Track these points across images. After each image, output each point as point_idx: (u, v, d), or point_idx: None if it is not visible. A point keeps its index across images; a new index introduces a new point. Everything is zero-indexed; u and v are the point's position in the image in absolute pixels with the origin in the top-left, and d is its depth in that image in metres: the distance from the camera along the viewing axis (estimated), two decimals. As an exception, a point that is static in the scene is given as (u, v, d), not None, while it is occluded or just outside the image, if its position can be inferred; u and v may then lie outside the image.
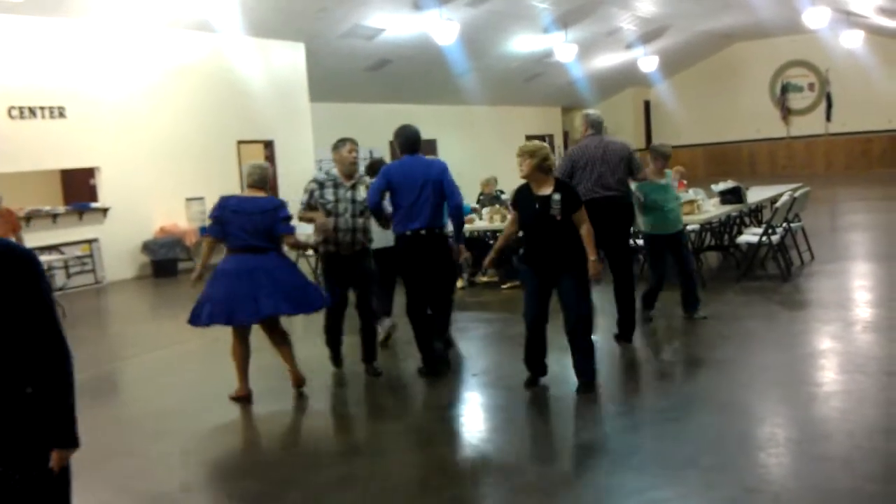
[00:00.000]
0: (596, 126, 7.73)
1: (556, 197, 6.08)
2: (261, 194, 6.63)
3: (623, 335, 7.65)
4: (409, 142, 7.04)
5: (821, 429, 5.27)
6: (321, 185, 7.08)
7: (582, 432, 5.70)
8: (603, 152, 7.51)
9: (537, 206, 6.12)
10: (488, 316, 9.67)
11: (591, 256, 6.12)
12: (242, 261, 6.44)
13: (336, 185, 7.05)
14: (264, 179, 6.71)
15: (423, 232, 6.80)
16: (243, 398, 6.69)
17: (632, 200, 7.83)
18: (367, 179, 7.40)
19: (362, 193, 7.05)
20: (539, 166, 6.13)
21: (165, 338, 9.99)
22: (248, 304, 6.34)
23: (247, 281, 6.35)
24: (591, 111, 7.93)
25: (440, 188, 6.81)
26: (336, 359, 7.41)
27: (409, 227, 6.83)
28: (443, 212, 6.94)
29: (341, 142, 7.12)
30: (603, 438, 5.44)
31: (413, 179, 6.79)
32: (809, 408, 5.69)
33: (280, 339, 6.79)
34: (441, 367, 7.06)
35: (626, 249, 7.85)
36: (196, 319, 6.61)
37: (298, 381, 6.79)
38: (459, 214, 6.98)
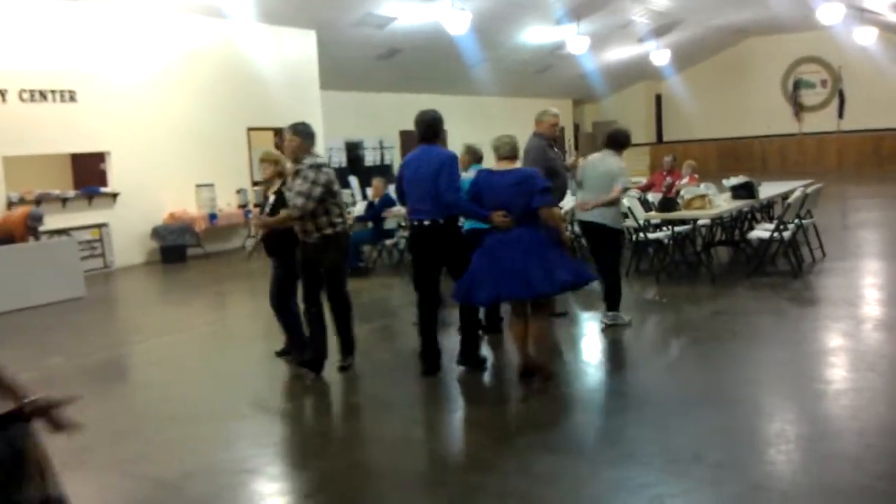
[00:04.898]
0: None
1: None
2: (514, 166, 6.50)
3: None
4: (427, 129, 6.78)
5: (830, 426, 5.23)
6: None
7: (589, 426, 5.68)
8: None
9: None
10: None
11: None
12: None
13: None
14: (515, 150, 6.51)
15: (427, 223, 6.63)
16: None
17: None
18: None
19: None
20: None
21: (173, 323, 9.99)
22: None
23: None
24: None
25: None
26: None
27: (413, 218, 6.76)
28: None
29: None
30: (611, 432, 5.41)
31: (422, 170, 6.61)
32: (819, 405, 5.65)
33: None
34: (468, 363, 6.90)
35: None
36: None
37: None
38: (450, 212, 6.64)
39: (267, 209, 7.16)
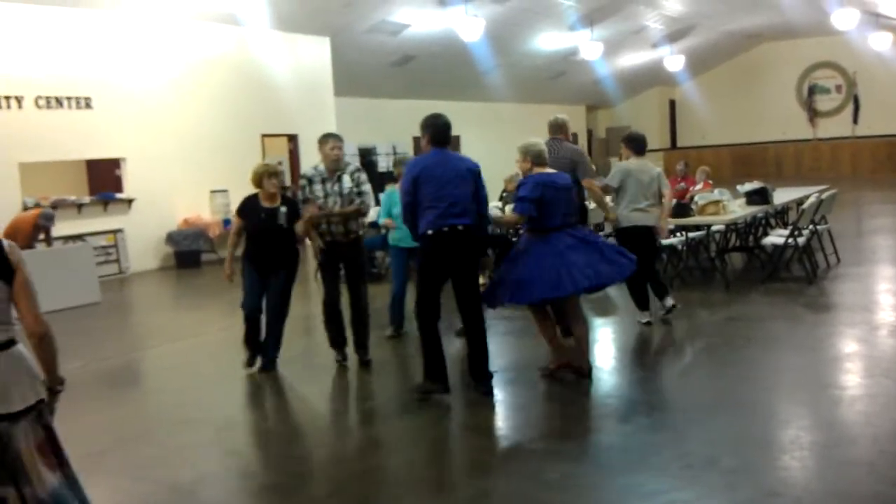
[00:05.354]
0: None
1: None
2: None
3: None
4: (443, 133, 6.43)
5: (845, 432, 5.20)
6: (310, 180, 7.28)
7: (602, 431, 5.66)
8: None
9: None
10: (508, 313, 9.62)
11: None
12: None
13: (323, 180, 7.24)
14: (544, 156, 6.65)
15: (463, 227, 6.20)
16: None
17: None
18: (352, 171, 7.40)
19: (347, 184, 7.20)
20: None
21: (187, 329, 10.03)
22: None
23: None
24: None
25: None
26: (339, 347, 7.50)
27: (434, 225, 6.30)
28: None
29: (325, 138, 7.35)
30: (623, 438, 5.40)
31: (448, 175, 6.27)
32: (833, 411, 5.62)
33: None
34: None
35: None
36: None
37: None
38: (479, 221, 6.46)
39: (283, 221, 7.17)
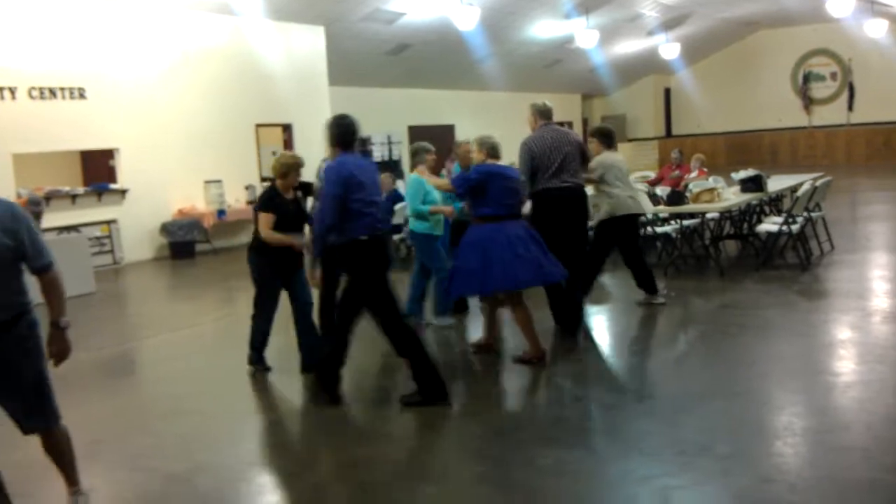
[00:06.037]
0: (546, 115, 7.69)
1: None
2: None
3: (569, 328, 7.67)
4: (344, 136, 6.07)
5: (839, 419, 5.22)
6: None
7: (596, 418, 5.68)
8: (559, 143, 7.45)
9: None
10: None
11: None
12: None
13: None
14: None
15: (378, 234, 5.99)
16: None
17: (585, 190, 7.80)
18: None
19: None
20: None
21: (182, 319, 10.03)
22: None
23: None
24: (538, 101, 7.81)
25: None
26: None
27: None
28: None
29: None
30: (617, 424, 5.41)
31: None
32: (827, 397, 5.64)
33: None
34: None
35: (585, 240, 7.90)
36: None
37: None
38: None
39: (308, 209, 7.09)
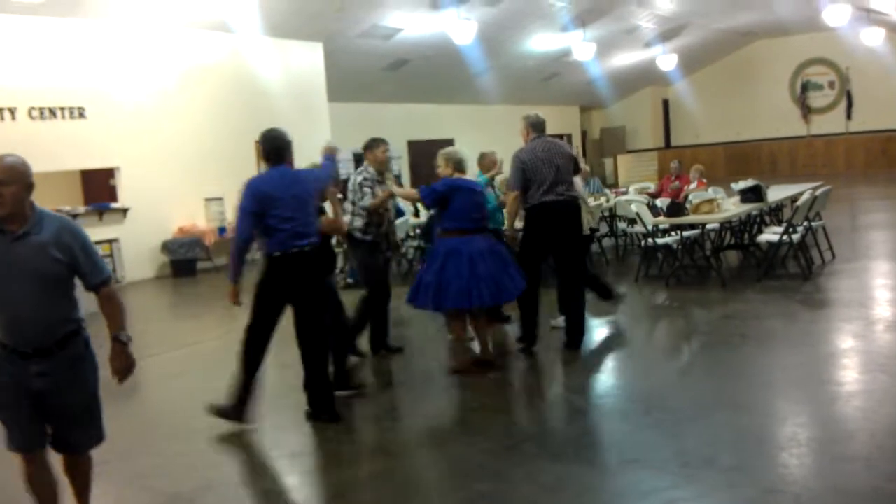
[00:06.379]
0: (538, 128, 7.68)
1: None
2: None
3: (572, 342, 7.59)
4: (269, 150, 6.17)
5: (842, 428, 5.22)
6: (372, 182, 7.56)
7: (600, 430, 5.68)
8: (551, 155, 7.44)
9: None
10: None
11: None
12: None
13: (375, 182, 7.56)
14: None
15: (294, 250, 5.87)
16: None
17: (579, 202, 7.77)
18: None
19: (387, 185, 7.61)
20: None
21: (185, 337, 10.03)
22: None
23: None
24: (530, 113, 7.83)
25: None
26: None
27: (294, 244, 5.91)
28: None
29: (375, 142, 7.61)
30: (620, 437, 5.41)
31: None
32: (831, 407, 5.64)
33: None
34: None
35: (579, 253, 7.86)
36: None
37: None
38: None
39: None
